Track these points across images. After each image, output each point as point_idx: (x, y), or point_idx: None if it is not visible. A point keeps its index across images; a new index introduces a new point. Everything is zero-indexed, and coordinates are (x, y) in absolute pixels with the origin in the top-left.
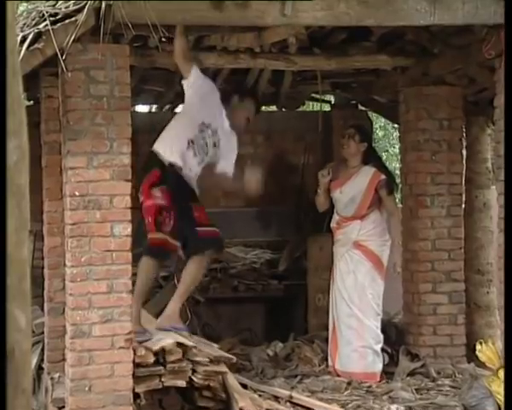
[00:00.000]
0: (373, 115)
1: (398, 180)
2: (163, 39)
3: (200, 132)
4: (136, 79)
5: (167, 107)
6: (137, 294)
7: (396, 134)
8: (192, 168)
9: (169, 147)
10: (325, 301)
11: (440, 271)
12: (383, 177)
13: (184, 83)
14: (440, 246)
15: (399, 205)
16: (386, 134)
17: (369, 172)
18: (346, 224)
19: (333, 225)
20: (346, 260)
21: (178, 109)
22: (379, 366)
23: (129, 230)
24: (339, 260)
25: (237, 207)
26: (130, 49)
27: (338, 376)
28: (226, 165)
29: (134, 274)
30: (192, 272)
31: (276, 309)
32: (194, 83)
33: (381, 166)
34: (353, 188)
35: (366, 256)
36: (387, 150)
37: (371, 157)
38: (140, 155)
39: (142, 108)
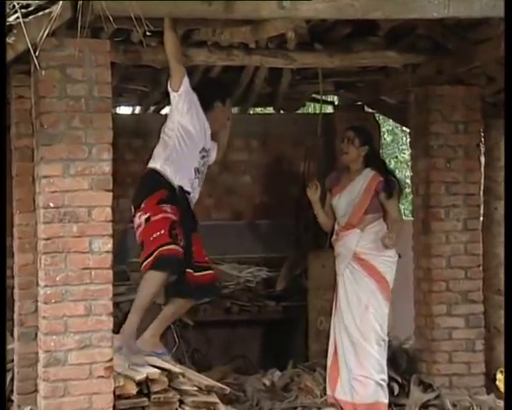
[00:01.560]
0: (380, 118)
1: (407, 189)
2: (148, 33)
3: (201, 159)
4: (117, 77)
5: (152, 108)
6: (140, 307)
7: (406, 139)
8: (195, 196)
9: (179, 174)
10: (327, 324)
11: (456, 291)
12: (382, 179)
13: (173, 95)
14: (456, 263)
15: (410, 218)
16: (395, 139)
17: (368, 174)
18: (344, 233)
19: (333, 238)
20: (348, 278)
21: (165, 111)
22: (383, 397)
23: (109, 245)
24: (341, 277)
25: (230, 220)
26: (111, 45)
27: (339, 406)
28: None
29: (115, 294)
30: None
31: (273, 333)
32: (184, 97)
33: (384, 169)
34: (351, 192)
35: (367, 271)
36: (396, 157)
37: (373, 160)
38: (122, 162)
39: (124, 110)
